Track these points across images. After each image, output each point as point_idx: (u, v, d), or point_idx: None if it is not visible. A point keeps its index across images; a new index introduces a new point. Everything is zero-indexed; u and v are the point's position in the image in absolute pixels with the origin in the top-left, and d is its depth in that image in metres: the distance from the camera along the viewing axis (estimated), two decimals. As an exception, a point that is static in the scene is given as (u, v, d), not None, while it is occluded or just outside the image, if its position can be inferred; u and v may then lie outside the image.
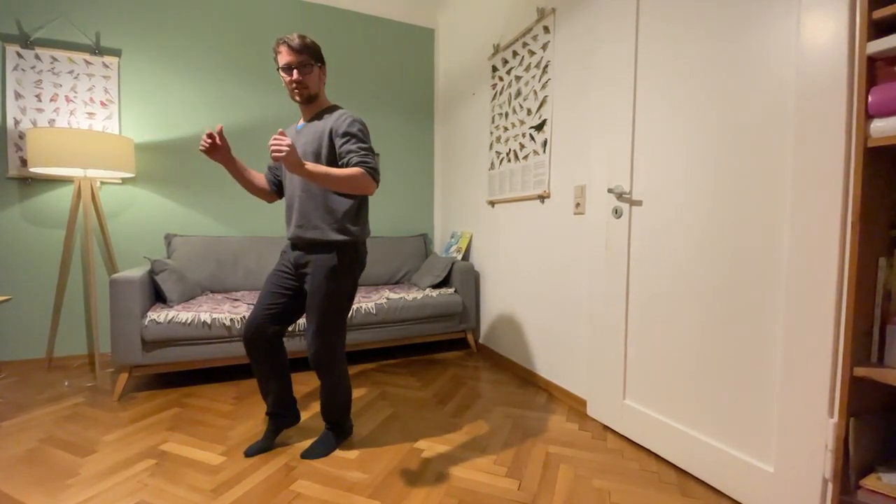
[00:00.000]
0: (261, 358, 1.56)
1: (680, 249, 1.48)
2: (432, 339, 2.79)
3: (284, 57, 1.43)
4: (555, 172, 2.18)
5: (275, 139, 1.19)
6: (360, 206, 1.54)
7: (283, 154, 1.19)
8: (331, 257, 1.49)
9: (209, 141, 1.41)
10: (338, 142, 1.44)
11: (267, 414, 1.64)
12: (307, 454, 1.57)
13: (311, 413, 1.94)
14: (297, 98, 1.48)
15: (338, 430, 1.66)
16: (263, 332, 1.54)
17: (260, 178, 1.67)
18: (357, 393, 2.20)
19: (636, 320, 1.66)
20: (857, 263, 0.99)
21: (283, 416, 1.65)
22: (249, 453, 1.57)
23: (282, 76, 1.46)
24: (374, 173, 1.39)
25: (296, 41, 1.41)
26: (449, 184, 3.45)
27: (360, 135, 1.44)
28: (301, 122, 1.59)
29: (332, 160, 1.48)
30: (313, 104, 1.54)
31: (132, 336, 2.04)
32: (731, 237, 1.32)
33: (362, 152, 1.41)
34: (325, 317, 1.50)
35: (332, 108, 1.55)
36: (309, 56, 1.44)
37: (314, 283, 1.49)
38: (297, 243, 1.55)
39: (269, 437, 1.63)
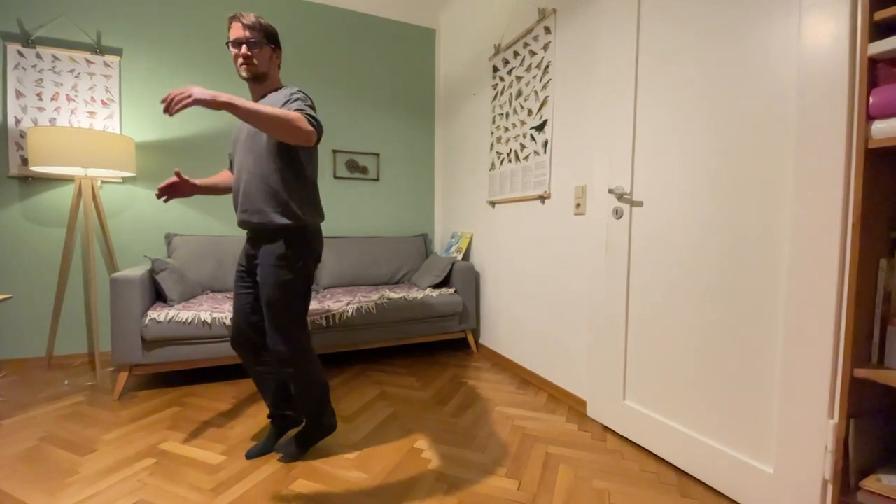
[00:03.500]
0: (249, 361, 1.58)
1: (680, 250, 1.48)
2: (432, 339, 2.79)
3: (235, 32, 1.40)
4: (555, 173, 2.18)
5: (172, 94, 1.11)
6: (306, 188, 1.48)
7: (190, 99, 1.11)
8: (278, 245, 1.42)
9: (170, 186, 1.45)
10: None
11: (268, 417, 1.65)
12: (279, 449, 1.55)
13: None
14: (244, 74, 1.43)
15: (315, 427, 1.57)
16: (246, 336, 1.54)
17: (225, 176, 1.67)
18: (357, 393, 2.20)
19: (636, 321, 1.66)
20: (858, 265, 0.99)
21: (283, 417, 1.64)
22: (250, 455, 1.56)
23: (231, 51, 1.42)
24: (312, 120, 1.31)
25: (249, 18, 1.40)
26: (449, 184, 3.46)
27: (302, 97, 1.39)
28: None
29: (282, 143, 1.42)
30: (263, 84, 1.48)
31: (132, 335, 2.04)
32: (732, 238, 1.32)
33: (302, 104, 1.35)
34: (278, 309, 1.44)
35: (281, 87, 1.51)
36: (261, 34, 1.42)
37: (263, 273, 1.43)
38: (246, 230, 1.51)
39: (270, 439, 1.62)
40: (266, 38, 1.43)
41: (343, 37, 3.29)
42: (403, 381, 2.37)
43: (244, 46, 1.40)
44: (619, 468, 1.52)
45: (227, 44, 1.43)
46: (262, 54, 1.43)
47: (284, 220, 1.41)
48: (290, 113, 1.25)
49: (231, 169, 1.67)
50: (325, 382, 1.57)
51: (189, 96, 1.11)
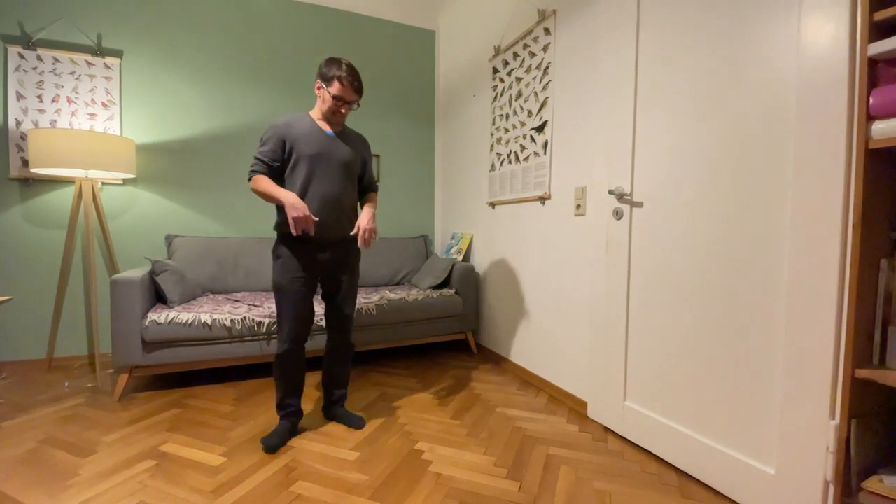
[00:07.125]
0: (299, 365, 1.73)
1: (681, 251, 1.48)
2: (433, 340, 2.78)
3: (345, 91, 1.60)
4: (555, 174, 2.18)
5: (369, 237, 1.65)
6: None
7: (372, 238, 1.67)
8: (356, 248, 1.81)
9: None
10: (365, 164, 1.83)
11: (290, 413, 1.73)
12: (350, 423, 1.82)
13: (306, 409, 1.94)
14: (335, 126, 1.69)
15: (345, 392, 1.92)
16: (306, 335, 1.73)
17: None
18: (358, 394, 2.19)
19: (637, 322, 1.66)
20: (859, 265, 0.99)
21: (299, 414, 1.78)
22: (272, 449, 1.61)
23: (333, 102, 1.61)
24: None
25: (357, 83, 1.62)
26: (450, 185, 3.46)
27: (372, 162, 1.87)
28: (326, 127, 1.70)
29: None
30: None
31: (133, 337, 2.03)
32: (733, 238, 1.32)
33: (375, 181, 1.88)
34: (355, 299, 1.84)
35: (348, 128, 1.80)
36: (359, 98, 1.66)
37: (352, 269, 1.80)
38: (329, 241, 1.69)
39: (287, 433, 1.70)
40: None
41: (343, 38, 3.30)
42: (404, 383, 2.37)
43: (346, 107, 1.64)
44: (620, 469, 1.52)
45: (333, 98, 1.60)
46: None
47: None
48: (376, 201, 1.89)
49: (272, 173, 1.65)
50: None
51: (373, 232, 1.67)
